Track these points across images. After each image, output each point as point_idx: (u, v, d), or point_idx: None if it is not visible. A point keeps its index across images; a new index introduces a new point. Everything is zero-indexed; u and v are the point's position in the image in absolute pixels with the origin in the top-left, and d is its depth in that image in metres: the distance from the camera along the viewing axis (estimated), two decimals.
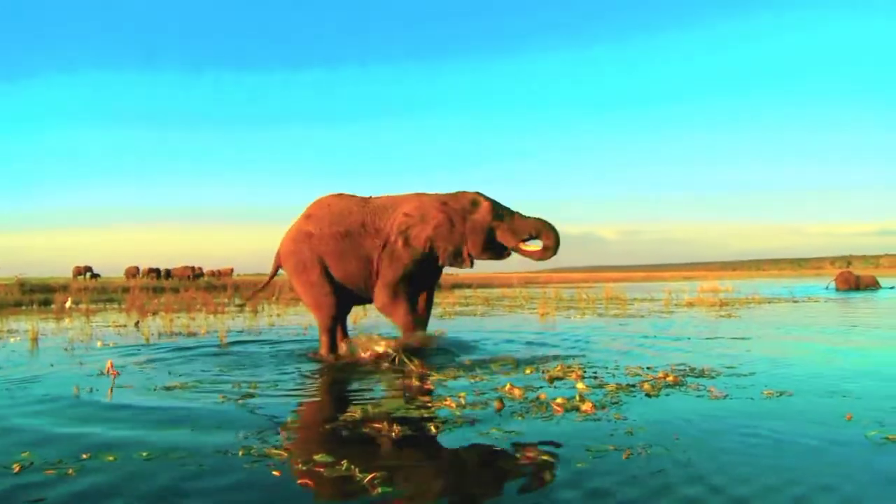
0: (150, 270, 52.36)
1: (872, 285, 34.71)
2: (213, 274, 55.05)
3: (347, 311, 9.18)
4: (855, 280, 34.55)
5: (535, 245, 8.58)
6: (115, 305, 21.94)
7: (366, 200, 8.92)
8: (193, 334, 11.77)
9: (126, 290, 28.76)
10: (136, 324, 13.83)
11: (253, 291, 10.01)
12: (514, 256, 8.82)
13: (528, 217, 8.60)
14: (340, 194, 9.04)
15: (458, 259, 8.59)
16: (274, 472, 3.85)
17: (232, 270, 59.92)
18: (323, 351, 8.71)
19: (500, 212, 8.55)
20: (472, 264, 8.66)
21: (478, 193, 8.70)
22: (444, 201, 8.64)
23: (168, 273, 52.04)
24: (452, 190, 8.85)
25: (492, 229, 8.48)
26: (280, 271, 9.36)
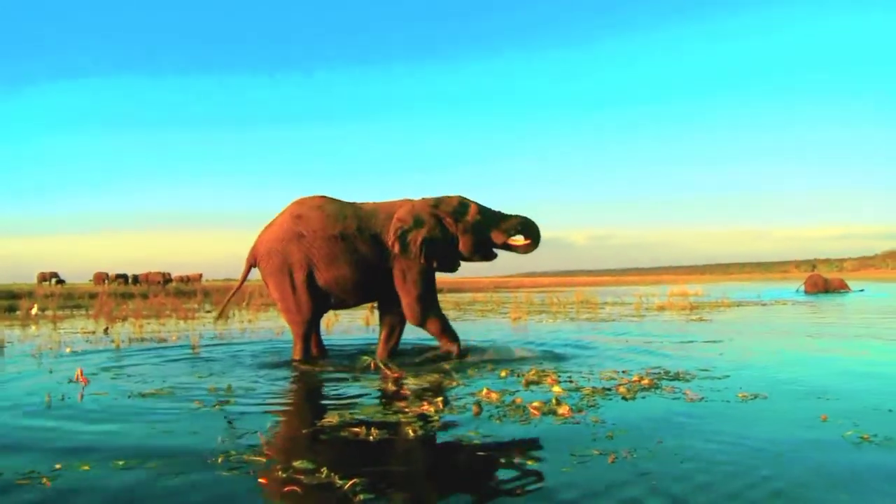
0: (118, 276, 51.80)
1: (842, 288, 35.25)
2: (181, 279, 54.57)
3: (321, 317, 9.13)
4: (823, 283, 35.11)
5: (521, 239, 9.06)
6: (83, 312, 21.59)
7: (355, 205, 8.88)
8: (164, 340, 11.63)
9: (93, 296, 28.40)
10: (106, 330, 13.63)
11: (227, 298, 9.73)
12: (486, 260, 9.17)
13: (510, 214, 9.03)
14: (324, 196, 8.89)
15: (452, 261, 8.91)
16: (260, 479, 3.83)
17: (201, 276, 59.43)
18: (297, 356, 8.63)
19: (487, 212, 8.91)
20: (459, 266, 9.05)
21: (461, 196, 8.94)
22: (435, 205, 8.79)
23: (136, 279, 51.57)
24: (428, 195, 8.98)
25: (483, 229, 8.83)
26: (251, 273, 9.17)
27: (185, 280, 54.50)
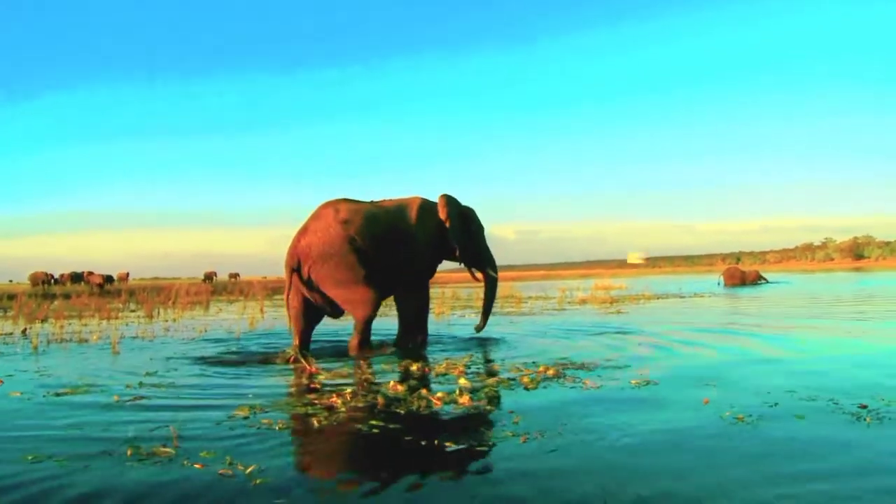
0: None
1: (758, 280, 36.66)
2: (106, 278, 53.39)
3: (320, 320, 9.51)
4: (741, 275, 36.38)
5: (491, 273, 10.62)
6: (0, 313, 21.13)
7: (379, 205, 9.54)
8: (85, 340, 11.55)
9: (12, 297, 27.74)
10: (24, 331, 13.45)
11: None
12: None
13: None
14: (349, 199, 9.33)
15: (468, 260, 10.29)
16: (196, 465, 4.06)
17: (128, 275, 58.40)
18: (360, 347, 9.10)
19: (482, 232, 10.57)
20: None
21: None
22: (462, 210, 10.27)
23: (56, 279, 50.30)
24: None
25: (480, 241, 10.44)
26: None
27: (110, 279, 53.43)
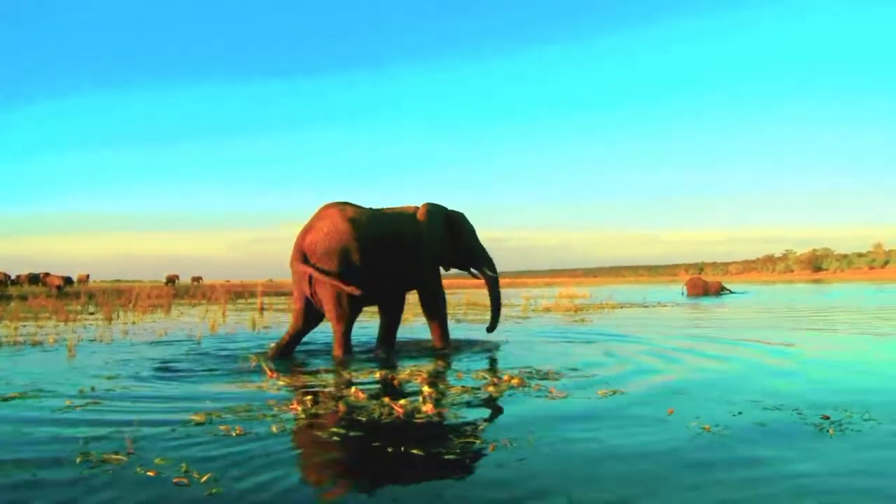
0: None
1: (719, 290, 37.07)
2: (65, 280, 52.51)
3: (317, 324, 9.57)
4: (703, 285, 36.73)
5: (489, 273, 10.83)
6: None
7: (381, 211, 9.63)
8: (40, 343, 11.27)
9: None
10: None
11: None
12: None
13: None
14: (350, 203, 9.39)
15: (463, 263, 10.61)
16: (150, 473, 3.93)
17: (88, 277, 57.54)
18: (340, 353, 9.02)
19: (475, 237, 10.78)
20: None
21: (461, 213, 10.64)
22: (449, 214, 10.41)
23: (13, 280, 49.27)
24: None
25: (474, 246, 10.67)
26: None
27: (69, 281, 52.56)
